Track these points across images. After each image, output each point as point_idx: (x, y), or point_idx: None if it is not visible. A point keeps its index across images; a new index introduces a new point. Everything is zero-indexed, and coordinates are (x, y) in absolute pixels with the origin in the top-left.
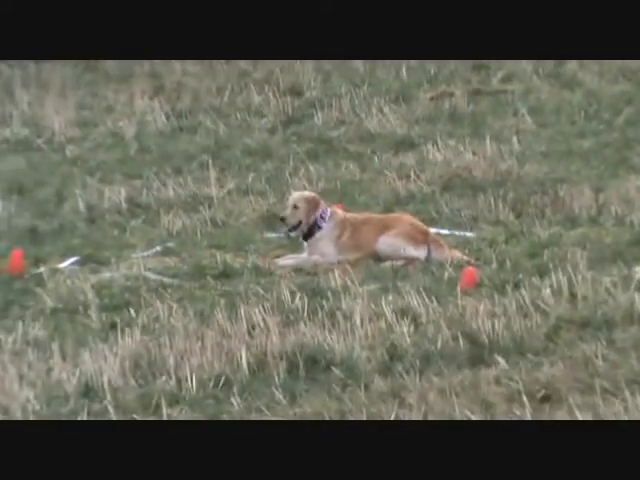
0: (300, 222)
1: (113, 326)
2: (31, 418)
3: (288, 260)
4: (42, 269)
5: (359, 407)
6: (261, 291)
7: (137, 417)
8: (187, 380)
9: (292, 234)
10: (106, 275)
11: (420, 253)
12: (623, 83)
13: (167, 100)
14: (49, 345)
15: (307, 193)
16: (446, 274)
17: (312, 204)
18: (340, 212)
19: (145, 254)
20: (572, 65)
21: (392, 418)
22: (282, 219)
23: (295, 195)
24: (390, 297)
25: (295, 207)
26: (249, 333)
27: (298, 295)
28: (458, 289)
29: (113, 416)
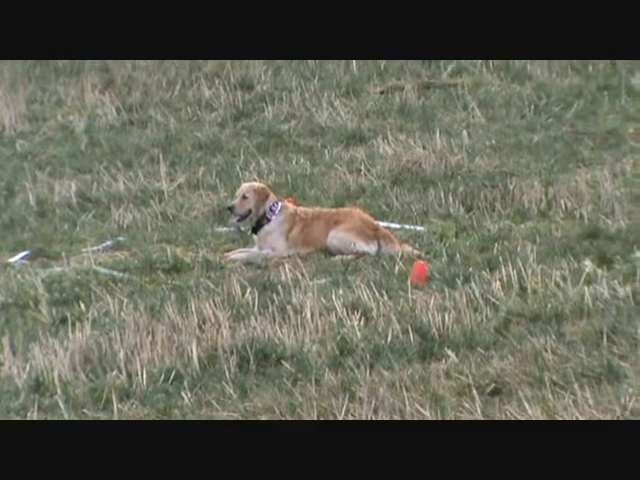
0: (249, 212)
1: (63, 320)
2: None
3: (239, 254)
4: None
5: (310, 401)
6: (212, 285)
7: (87, 412)
8: (138, 374)
9: (240, 225)
10: (57, 269)
11: (370, 248)
12: (573, 76)
13: (117, 94)
14: None
15: (256, 184)
16: (397, 268)
17: (261, 195)
18: (290, 206)
19: (95, 248)
20: None
21: (342, 412)
22: (229, 208)
23: (244, 185)
24: (341, 291)
25: (244, 197)
26: (200, 327)
27: (248, 289)
28: (408, 283)
29: (64, 411)
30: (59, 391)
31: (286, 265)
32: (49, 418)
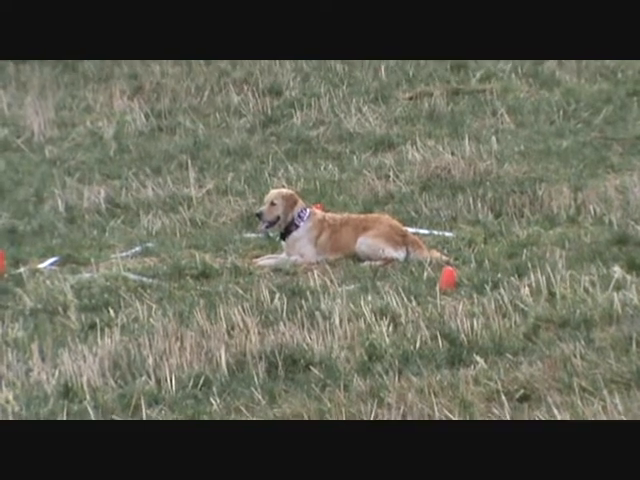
0: (277, 219)
1: (92, 326)
2: (11, 419)
3: (267, 260)
4: (21, 269)
5: (338, 407)
6: (240, 291)
7: (116, 417)
8: (166, 380)
9: (269, 231)
10: (85, 275)
11: (399, 254)
12: (601, 82)
13: (146, 100)
14: (28, 346)
15: (285, 190)
16: (425, 274)
17: (289, 201)
18: (319, 212)
19: (124, 254)
20: (550, 64)
21: (371, 418)
22: (258, 215)
23: (273, 192)
24: (369, 297)
25: (272, 204)
26: (228, 333)
27: (277, 295)
28: (437, 289)
29: (92, 417)
30: (88, 397)
31: (315, 271)
32: None
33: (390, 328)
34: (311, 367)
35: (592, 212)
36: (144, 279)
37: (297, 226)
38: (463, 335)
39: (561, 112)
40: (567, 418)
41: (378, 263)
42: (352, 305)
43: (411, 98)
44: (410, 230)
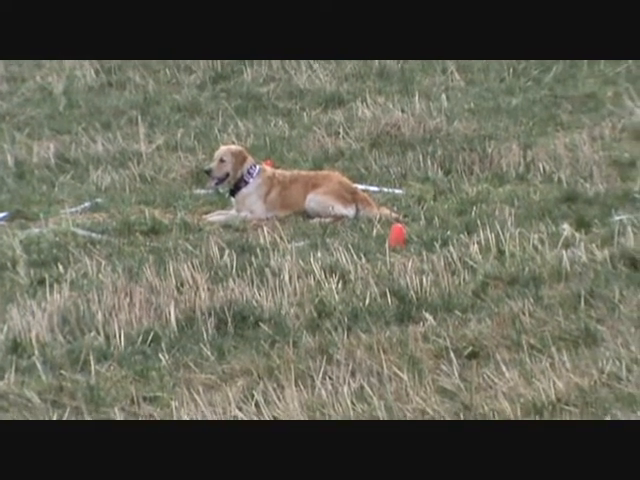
0: (227, 175)
1: (41, 282)
2: None
3: (217, 216)
4: None
5: (287, 363)
6: (190, 247)
7: (65, 373)
8: (115, 336)
9: (218, 188)
10: (34, 231)
11: (349, 211)
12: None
13: None
14: None
15: (234, 147)
16: (374, 231)
17: (239, 158)
18: (269, 169)
19: (74, 210)
20: None
21: (320, 374)
22: (207, 172)
23: (222, 148)
24: (319, 254)
25: (222, 160)
26: (177, 289)
27: (227, 252)
28: (386, 246)
29: (41, 372)
30: (37, 352)
31: (264, 228)
32: (26, 379)
33: (339, 285)
34: (260, 323)
35: (541, 170)
36: (93, 235)
37: (246, 182)
38: (412, 292)
39: (511, 70)
40: (515, 375)
41: (327, 220)
42: (302, 262)
43: None
44: (360, 187)
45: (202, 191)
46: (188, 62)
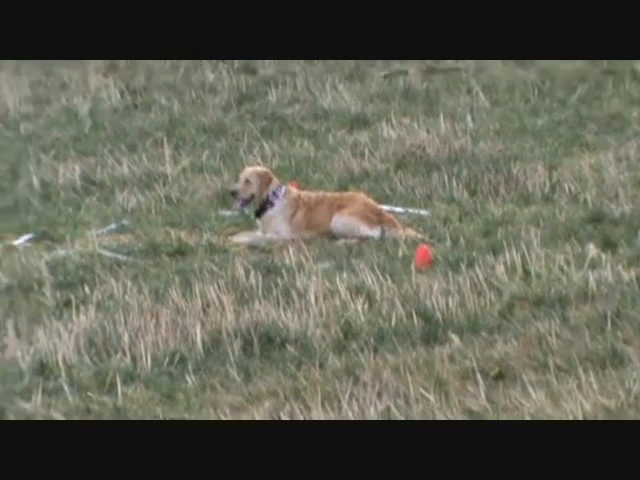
0: (252, 197)
1: (68, 304)
2: None
3: (243, 238)
4: None
5: (314, 385)
6: (215, 269)
7: (92, 395)
8: (142, 357)
9: (244, 209)
10: (60, 252)
11: (374, 232)
12: (577, 60)
13: (121, 77)
14: (3, 323)
15: (259, 168)
16: (400, 252)
17: (264, 179)
18: (294, 190)
19: (100, 231)
20: None
21: (346, 396)
22: (233, 193)
23: (247, 170)
24: (344, 275)
25: (247, 182)
26: (204, 311)
27: (253, 273)
28: (412, 267)
29: (68, 394)
30: (63, 374)
31: (290, 249)
32: (53, 401)
33: (365, 306)
34: (286, 345)
35: (567, 190)
36: (119, 256)
37: (272, 204)
38: (438, 313)
39: (536, 90)
40: (542, 397)
41: (353, 241)
42: (327, 283)
43: (386, 76)
44: (385, 208)
45: (228, 212)
46: (213, 83)
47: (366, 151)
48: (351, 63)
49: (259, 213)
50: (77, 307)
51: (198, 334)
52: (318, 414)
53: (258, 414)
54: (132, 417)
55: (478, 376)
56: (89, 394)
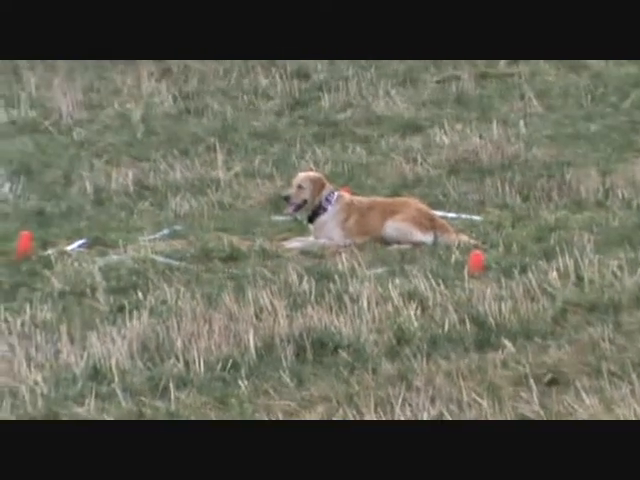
0: (305, 202)
1: (121, 309)
2: (39, 401)
3: (295, 243)
4: (50, 251)
5: (367, 390)
6: (268, 274)
7: (145, 399)
8: (195, 363)
9: (297, 215)
10: (114, 258)
11: (427, 238)
12: (630, 65)
13: (174, 82)
14: (57, 328)
15: (312, 174)
16: (453, 257)
17: (317, 185)
18: (347, 195)
19: (153, 237)
20: None
21: (399, 401)
22: (286, 198)
23: (300, 175)
24: (397, 280)
25: (300, 187)
26: (256, 316)
27: (305, 278)
28: (465, 272)
29: (121, 399)
30: (117, 379)
31: (342, 254)
32: (106, 406)
33: (418, 311)
34: (339, 350)
35: (620, 196)
36: (172, 261)
37: (325, 209)
38: (491, 318)
39: (589, 96)
40: (596, 402)
41: (406, 247)
42: (380, 288)
43: (439, 81)
44: (438, 214)
45: (280, 218)
46: (266, 89)
47: (419, 157)
48: (404, 68)
49: (312, 218)
50: (130, 312)
51: (251, 339)
52: (371, 419)
53: (311, 419)
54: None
55: (531, 382)
56: (142, 399)
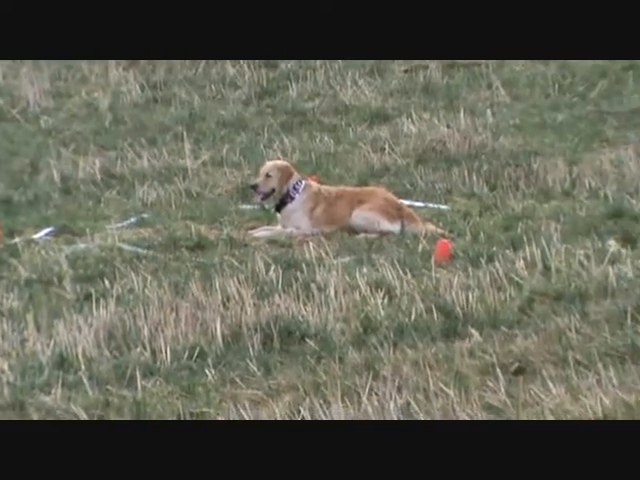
0: (272, 191)
1: (88, 297)
2: (5, 389)
3: (262, 232)
4: (16, 240)
5: (333, 379)
6: (235, 263)
7: (111, 388)
8: (161, 351)
9: (264, 203)
10: (81, 246)
11: (394, 227)
12: None
13: (142, 71)
14: (23, 316)
15: (280, 162)
16: (420, 247)
17: (285, 173)
18: (314, 184)
19: (120, 225)
20: None
21: (366, 390)
22: (253, 187)
23: (268, 164)
24: (364, 269)
25: (268, 176)
26: (224, 305)
27: (273, 267)
28: (432, 262)
29: (88, 387)
30: (83, 367)
31: (310, 243)
32: (73, 395)
33: (385, 300)
34: (306, 339)
35: (587, 186)
36: (139, 250)
37: (292, 198)
38: (458, 308)
39: (556, 85)
40: (562, 392)
41: (373, 236)
42: (347, 277)
43: (406, 71)
44: (405, 203)
45: (248, 206)
46: (233, 78)
47: (386, 146)
48: None
49: (279, 207)
50: (97, 301)
51: (218, 328)
52: (338, 408)
53: (278, 408)
54: (151, 411)
55: (498, 371)
56: (109, 387)
